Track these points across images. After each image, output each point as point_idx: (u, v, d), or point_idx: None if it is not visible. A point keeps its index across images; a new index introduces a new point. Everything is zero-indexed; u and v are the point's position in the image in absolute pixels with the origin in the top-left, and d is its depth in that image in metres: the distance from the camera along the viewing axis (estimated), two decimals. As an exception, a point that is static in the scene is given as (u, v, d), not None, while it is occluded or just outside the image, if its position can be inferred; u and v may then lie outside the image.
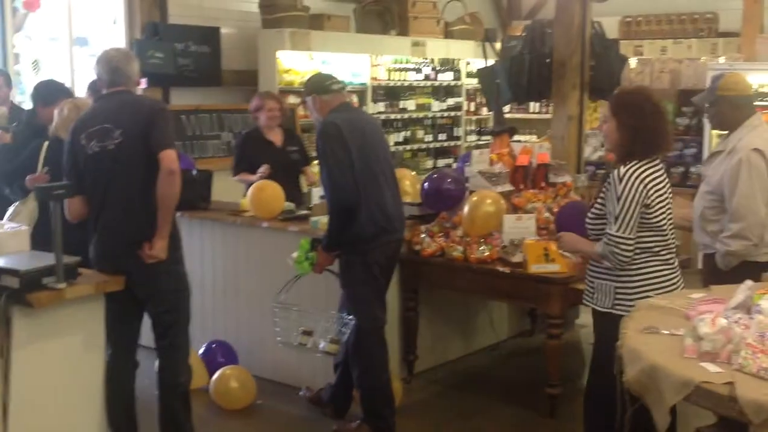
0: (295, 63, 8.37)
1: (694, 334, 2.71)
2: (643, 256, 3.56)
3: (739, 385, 2.40)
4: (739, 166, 4.02)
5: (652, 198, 3.52)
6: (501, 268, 4.77)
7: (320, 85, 4.52)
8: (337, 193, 4.26)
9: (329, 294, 4.67)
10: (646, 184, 3.50)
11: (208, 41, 7.89)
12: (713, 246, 4.12)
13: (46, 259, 3.57)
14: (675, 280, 3.64)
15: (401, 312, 5.18)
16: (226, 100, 8.10)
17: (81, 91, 7.22)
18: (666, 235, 3.60)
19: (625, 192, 3.47)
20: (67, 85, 6.63)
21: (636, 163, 3.52)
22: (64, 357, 3.61)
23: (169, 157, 3.81)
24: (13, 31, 7.40)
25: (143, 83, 7.44)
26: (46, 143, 4.66)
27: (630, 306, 3.43)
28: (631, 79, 7.61)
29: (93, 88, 5.66)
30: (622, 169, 3.50)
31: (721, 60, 8.09)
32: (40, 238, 3.97)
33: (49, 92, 5.47)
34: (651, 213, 3.52)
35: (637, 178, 3.49)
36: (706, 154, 7.45)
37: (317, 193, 6.42)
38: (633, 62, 8.38)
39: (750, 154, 4.00)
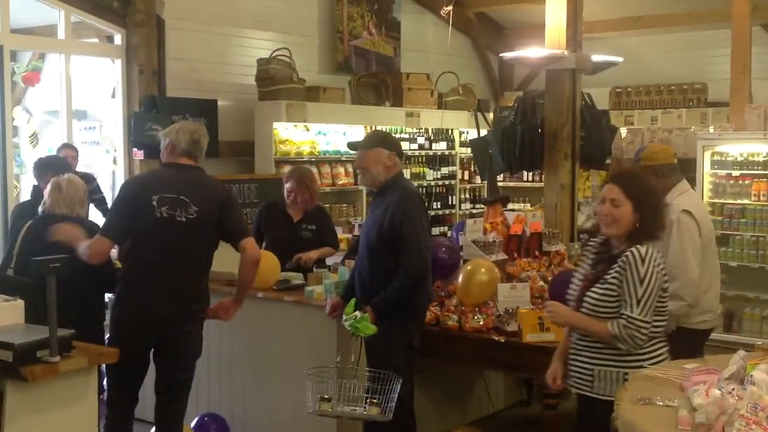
0: (292, 134, 8.49)
1: (688, 405, 2.71)
2: (653, 340, 3.48)
3: (734, 457, 2.39)
4: (670, 227, 4.11)
5: (665, 281, 3.47)
6: (496, 337, 4.76)
7: (397, 145, 4.51)
8: (418, 262, 4.26)
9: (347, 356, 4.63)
10: (662, 268, 3.44)
11: (205, 113, 7.99)
12: None
13: (41, 332, 3.57)
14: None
15: (397, 382, 5.14)
16: (224, 171, 8.17)
17: (81, 163, 7.32)
18: (666, 318, 3.56)
19: (648, 274, 3.36)
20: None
21: (649, 245, 3.44)
22: (59, 430, 3.58)
23: (253, 247, 4.17)
24: (12, 104, 7.52)
25: (140, 155, 7.54)
26: (28, 223, 4.60)
27: None
28: (622, 149, 7.71)
29: (38, 166, 5.65)
30: (642, 250, 3.39)
31: (711, 129, 8.21)
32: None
33: (41, 167, 5.56)
34: (664, 296, 3.46)
35: (655, 260, 3.40)
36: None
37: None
38: (623, 132, 8.50)
39: (680, 215, 4.14)
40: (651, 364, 3.39)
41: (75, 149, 6.73)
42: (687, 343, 3.88)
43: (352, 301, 4.37)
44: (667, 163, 4.35)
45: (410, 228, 4.23)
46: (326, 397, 4.02)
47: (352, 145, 4.75)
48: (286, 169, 8.05)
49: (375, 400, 4.00)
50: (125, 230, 4.08)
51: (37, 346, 3.48)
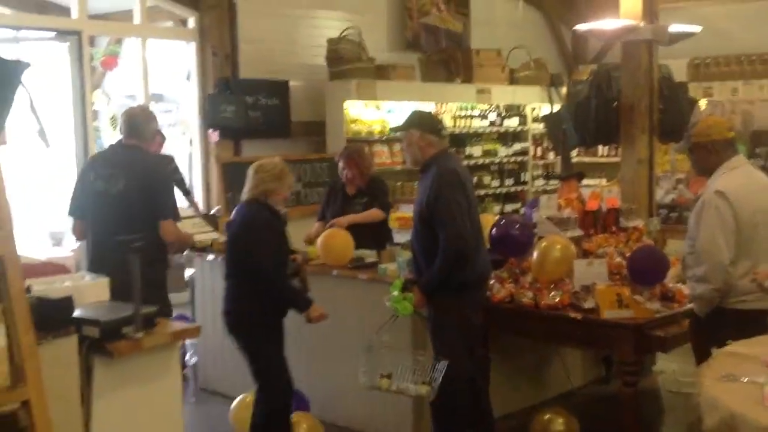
0: (362, 113, 8.51)
1: (774, 382, 2.64)
2: None
3: (825, 434, 2.32)
4: (701, 208, 3.99)
5: None
6: (573, 314, 4.70)
7: (431, 124, 4.53)
8: (457, 240, 4.27)
9: (416, 335, 4.69)
10: None
11: (277, 94, 8.09)
12: None
13: (125, 309, 3.67)
14: None
15: (472, 359, 5.14)
16: (295, 151, 8.27)
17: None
18: None
19: None
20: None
21: None
22: (144, 404, 3.69)
23: (166, 229, 4.61)
24: (91, 88, 7.71)
25: (215, 136, 7.67)
26: None
27: None
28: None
29: None
30: None
31: (794, 99, 7.95)
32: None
33: None
34: None
35: None
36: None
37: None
38: (703, 104, 8.28)
39: (712, 196, 3.95)
40: None
41: (163, 136, 6.89)
42: (728, 321, 3.75)
43: (398, 281, 4.43)
44: (720, 138, 4.12)
45: (444, 207, 4.25)
46: (385, 374, 4.19)
47: (393, 129, 4.91)
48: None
49: (427, 380, 4.15)
50: (80, 206, 4.70)
51: (122, 322, 3.58)
